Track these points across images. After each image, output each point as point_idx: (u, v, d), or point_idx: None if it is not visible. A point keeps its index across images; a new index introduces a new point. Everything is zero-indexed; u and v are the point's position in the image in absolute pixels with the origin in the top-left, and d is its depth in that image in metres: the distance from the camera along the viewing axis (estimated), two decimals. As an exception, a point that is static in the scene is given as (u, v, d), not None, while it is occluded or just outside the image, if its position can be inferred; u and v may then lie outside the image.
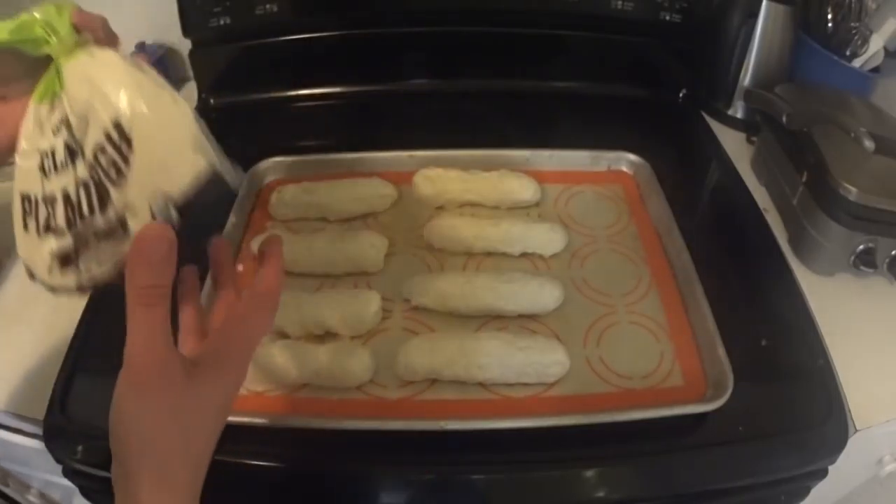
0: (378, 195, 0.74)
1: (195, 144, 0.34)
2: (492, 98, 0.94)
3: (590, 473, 0.55)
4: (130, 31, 0.91)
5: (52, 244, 0.36)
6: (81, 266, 0.36)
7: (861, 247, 0.66)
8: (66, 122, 0.35)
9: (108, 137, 0.34)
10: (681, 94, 0.95)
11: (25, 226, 0.37)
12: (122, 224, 0.34)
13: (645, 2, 0.87)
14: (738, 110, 0.91)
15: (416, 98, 0.95)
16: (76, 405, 0.57)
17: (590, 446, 0.54)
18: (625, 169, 0.81)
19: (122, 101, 0.34)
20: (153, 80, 0.35)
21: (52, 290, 0.37)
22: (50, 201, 0.35)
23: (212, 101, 0.93)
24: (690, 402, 0.56)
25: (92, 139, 0.34)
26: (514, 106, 0.93)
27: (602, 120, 0.90)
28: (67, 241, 0.35)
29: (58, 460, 0.57)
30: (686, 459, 0.55)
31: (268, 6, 0.86)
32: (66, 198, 0.35)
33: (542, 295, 0.63)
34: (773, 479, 0.56)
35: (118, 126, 0.34)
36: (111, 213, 0.34)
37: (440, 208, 0.75)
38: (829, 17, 0.83)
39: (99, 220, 0.34)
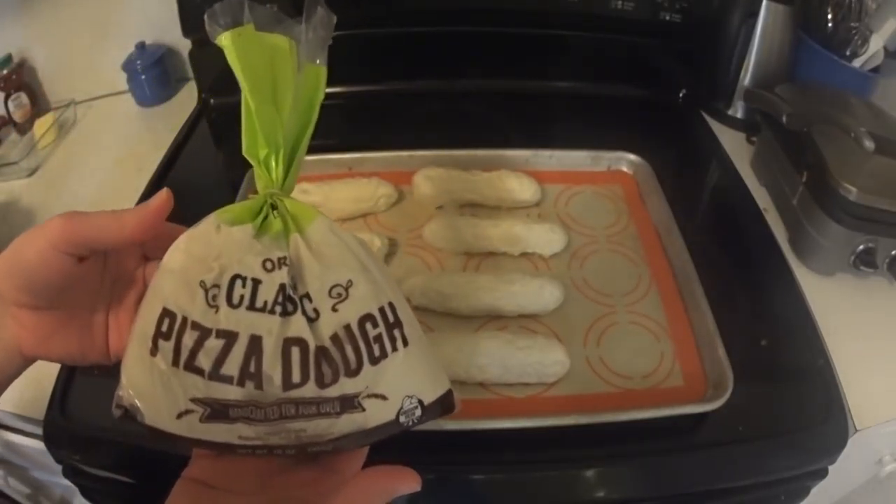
0: (378, 195, 0.74)
1: (440, 365, 0.34)
2: (492, 98, 0.94)
3: (590, 473, 0.55)
4: (130, 31, 0.91)
5: (198, 386, 0.29)
6: (243, 426, 0.29)
7: (861, 247, 0.66)
8: (293, 267, 0.31)
9: (383, 315, 0.32)
10: (681, 94, 0.95)
11: (154, 348, 0.30)
12: (348, 404, 0.30)
13: (645, 2, 0.87)
14: (738, 110, 0.91)
15: (417, 98, 0.95)
16: (76, 405, 0.57)
17: (590, 446, 0.54)
18: (625, 169, 0.81)
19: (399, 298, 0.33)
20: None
21: (169, 439, 0.30)
22: (224, 337, 0.29)
23: (212, 101, 0.93)
24: (690, 402, 0.56)
25: (356, 307, 0.31)
26: (515, 106, 0.93)
27: (602, 120, 0.90)
28: (232, 394, 0.29)
29: (58, 460, 0.57)
30: (686, 459, 0.55)
31: (268, 6, 0.86)
32: (255, 345, 0.29)
33: (542, 295, 0.63)
34: (773, 479, 0.56)
35: (393, 310, 0.32)
36: (337, 389, 0.30)
37: (440, 208, 0.75)
38: (829, 17, 0.83)
39: (309, 390, 0.30)
